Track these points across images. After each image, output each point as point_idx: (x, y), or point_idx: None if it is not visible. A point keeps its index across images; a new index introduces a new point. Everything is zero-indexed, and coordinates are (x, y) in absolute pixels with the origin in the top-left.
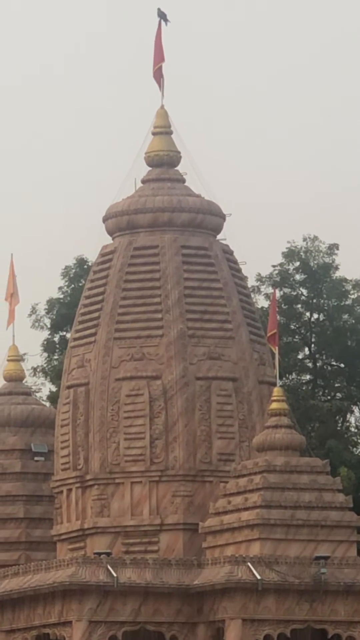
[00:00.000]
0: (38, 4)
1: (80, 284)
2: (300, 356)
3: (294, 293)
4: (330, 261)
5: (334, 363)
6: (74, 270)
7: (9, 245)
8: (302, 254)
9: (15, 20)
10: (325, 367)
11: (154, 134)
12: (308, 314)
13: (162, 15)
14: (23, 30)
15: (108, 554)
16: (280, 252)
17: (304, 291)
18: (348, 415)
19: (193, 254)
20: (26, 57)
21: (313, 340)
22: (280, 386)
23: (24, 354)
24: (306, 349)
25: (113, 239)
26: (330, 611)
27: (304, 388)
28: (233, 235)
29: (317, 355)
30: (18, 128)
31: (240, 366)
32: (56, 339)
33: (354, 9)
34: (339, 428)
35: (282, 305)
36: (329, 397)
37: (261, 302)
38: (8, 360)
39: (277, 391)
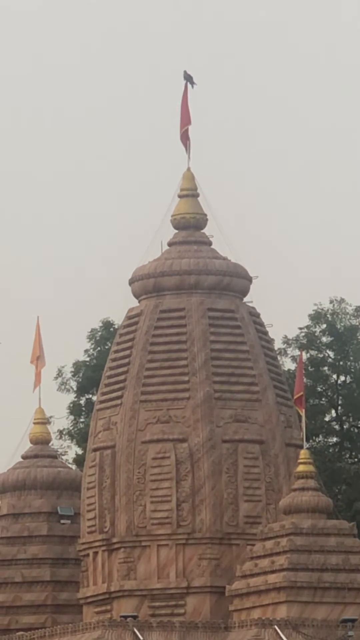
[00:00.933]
0: (67, 65)
1: (107, 347)
2: (327, 418)
3: (321, 355)
4: (357, 323)
5: None
6: (100, 333)
7: (35, 308)
8: (328, 316)
9: (38, 84)
10: (352, 429)
11: (180, 196)
12: (335, 376)
13: (188, 78)
14: (44, 89)
15: (135, 617)
16: (306, 314)
17: (331, 353)
18: None
19: (219, 317)
20: (51, 115)
21: (340, 402)
22: (307, 448)
23: (50, 417)
24: (333, 411)
25: (139, 301)
26: None
27: (330, 450)
28: (259, 298)
29: (343, 418)
30: (48, 192)
31: (266, 429)
32: (82, 401)
33: None
34: None
35: (309, 367)
36: (355, 459)
37: (288, 364)
38: (34, 423)
39: (303, 453)
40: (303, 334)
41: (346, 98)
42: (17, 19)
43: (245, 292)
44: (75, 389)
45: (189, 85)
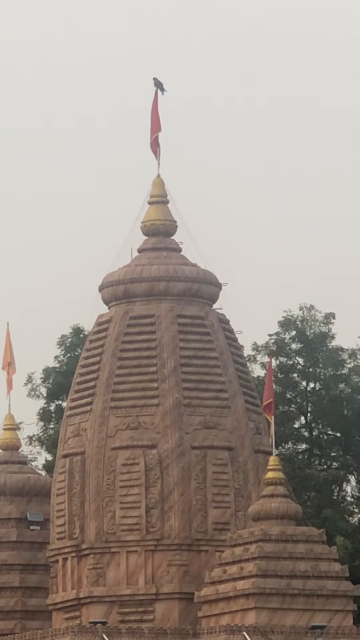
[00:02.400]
0: (35, 68)
1: (77, 353)
2: (296, 425)
3: (290, 362)
4: (327, 330)
5: (330, 432)
6: (70, 340)
7: (5, 315)
8: (298, 323)
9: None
10: (321, 436)
11: (150, 203)
12: (304, 383)
13: (158, 85)
14: (9, 93)
15: (104, 623)
16: (276, 321)
17: (300, 360)
18: (344, 485)
19: (189, 323)
20: (25, 121)
21: (309, 409)
22: (276, 455)
23: (20, 423)
24: (302, 418)
25: (109, 308)
26: None
27: (300, 457)
28: (229, 305)
29: (313, 425)
30: (15, 197)
31: (236, 435)
32: (52, 407)
33: None
34: (335, 497)
35: (278, 374)
36: (325, 466)
37: (257, 371)
38: (4, 429)
39: (272, 460)
40: (272, 341)
41: (321, 98)
42: None
43: (214, 298)
44: (45, 395)
45: (159, 92)
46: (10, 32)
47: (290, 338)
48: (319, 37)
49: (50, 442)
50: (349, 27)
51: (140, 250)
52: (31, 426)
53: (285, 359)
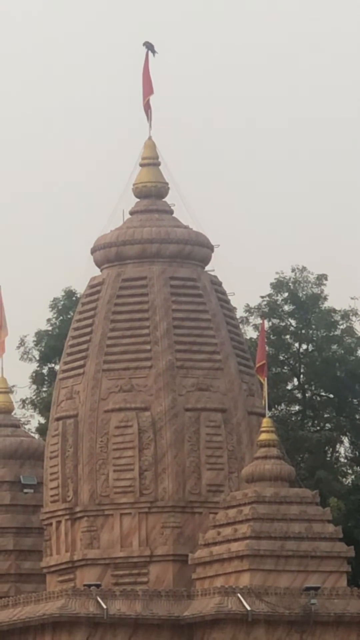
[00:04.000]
0: (27, 32)
1: (69, 316)
2: (289, 387)
3: (283, 324)
4: (319, 292)
5: (323, 394)
6: (62, 302)
7: None
8: (290, 284)
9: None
10: (314, 397)
11: (141, 165)
12: (297, 344)
13: (149, 47)
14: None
15: (98, 586)
16: (268, 283)
17: (293, 322)
18: (337, 446)
19: (181, 285)
20: (20, 97)
21: (302, 371)
22: (269, 417)
23: (13, 386)
24: (295, 379)
25: (101, 270)
26: None
27: (293, 419)
28: (221, 267)
29: (306, 386)
30: (3, 158)
31: (229, 397)
32: (45, 371)
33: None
34: (328, 458)
35: (271, 336)
36: (318, 428)
37: (250, 333)
38: None
39: (266, 422)
40: (265, 303)
41: (311, 68)
42: None
43: (206, 260)
44: (37, 358)
45: (150, 54)
46: None
47: (282, 300)
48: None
49: (43, 405)
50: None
51: (132, 213)
52: (24, 389)
53: (278, 320)
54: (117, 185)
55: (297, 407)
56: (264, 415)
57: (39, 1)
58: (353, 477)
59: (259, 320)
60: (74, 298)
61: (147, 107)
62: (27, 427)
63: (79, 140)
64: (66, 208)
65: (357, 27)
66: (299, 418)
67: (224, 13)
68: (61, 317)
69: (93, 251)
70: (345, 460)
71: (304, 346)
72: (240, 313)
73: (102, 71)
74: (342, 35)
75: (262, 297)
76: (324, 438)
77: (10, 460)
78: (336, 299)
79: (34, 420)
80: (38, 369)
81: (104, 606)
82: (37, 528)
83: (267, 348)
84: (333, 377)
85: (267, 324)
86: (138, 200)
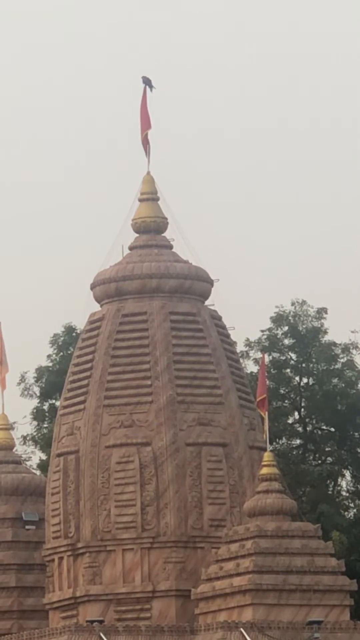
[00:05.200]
0: (26, 67)
1: (69, 352)
2: (290, 421)
3: (283, 357)
4: (319, 325)
5: (324, 427)
6: (62, 338)
7: None
8: (290, 318)
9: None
10: (315, 431)
11: (140, 200)
12: (297, 378)
13: (147, 82)
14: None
15: (101, 622)
16: (268, 316)
17: (293, 355)
18: (339, 479)
19: (181, 320)
20: (19, 127)
21: (303, 404)
22: (271, 451)
23: (14, 423)
24: (296, 413)
25: (101, 306)
26: None
27: (294, 452)
28: (221, 301)
29: (307, 420)
30: (6, 197)
31: (230, 431)
32: (45, 407)
33: None
34: (330, 492)
35: (271, 369)
36: (319, 462)
37: (250, 367)
38: None
39: (267, 456)
40: (265, 337)
41: (314, 89)
42: None
43: (206, 295)
44: (38, 394)
45: (148, 89)
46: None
47: (282, 333)
48: (311, 29)
49: (44, 442)
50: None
51: (131, 248)
52: (25, 425)
53: (278, 354)
54: (117, 220)
55: (298, 441)
56: (265, 449)
57: (40, 33)
58: (355, 510)
59: (259, 354)
60: (74, 334)
61: (146, 142)
62: (28, 463)
63: (78, 176)
64: (65, 244)
65: None
66: (300, 452)
67: (223, 46)
68: (61, 353)
69: (93, 287)
70: (347, 494)
71: (305, 380)
72: (240, 347)
73: (101, 106)
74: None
75: (262, 331)
76: (325, 471)
77: (12, 496)
78: (336, 332)
79: (35, 456)
80: (39, 405)
81: None
82: (39, 564)
83: (267, 382)
84: (334, 410)
85: (267, 358)
86: (137, 235)
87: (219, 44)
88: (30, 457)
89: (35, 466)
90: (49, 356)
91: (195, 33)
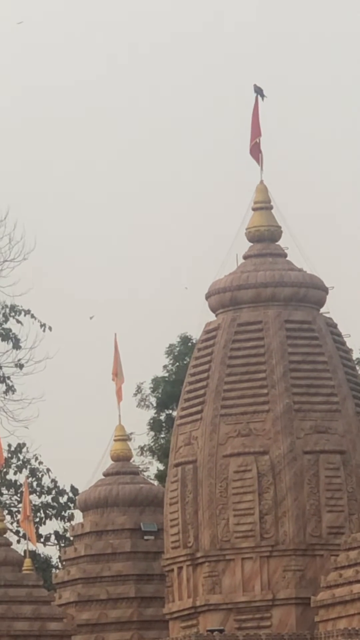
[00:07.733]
0: (134, 76)
1: (185, 362)
2: None
3: None
4: None
5: None
6: (178, 348)
7: (113, 326)
8: None
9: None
10: None
11: (254, 209)
12: None
13: (258, 91)
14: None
15: (221, 631)
16: None
17: None
18: None
19: (297, 328)
20: (113, 128)
21: None
22: None
23: (131, 433)
24: None
25: (216, 315)
26: None
27: None
28: (336, 308)
29: None
30: (118, 209)
31: (347, 439)
32: (162, 417)
33: None
34: None
35: None
36: None
37: None
38: (115, 440)
39: None
40: None
41: None
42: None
43: (321, 303)
44: (154, 404)
45: (260, 98)
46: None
47: None
48: None
49: (161, 452)
50: None
51: (245, 257)
52: (142, 436)
53: None
54: (230, 230)
55: None
56: None
57: (147, 38)
58: None
59: None
60: (189, 344)
61: (257, 151)
62: (146, 474)
63: (189, 187)
64: (179, 255)
65: None
66: None
67: (330, 50)
68: (177, 363)
69: (207, 296)
70: None
71: None
72: (356, 354)
73: (213, 116)
74: None
75: None
76: None
77: (130, 507)
78: None
79: (153, 466)
80: (155, 415)
81: None
82: (158, 575)
83: None
84: None
85: None
86: (251, 244)
87: (327, 49)
88: (148, 468)
89: (153, 476)
90: (165, 366)
91: (305, 40)
